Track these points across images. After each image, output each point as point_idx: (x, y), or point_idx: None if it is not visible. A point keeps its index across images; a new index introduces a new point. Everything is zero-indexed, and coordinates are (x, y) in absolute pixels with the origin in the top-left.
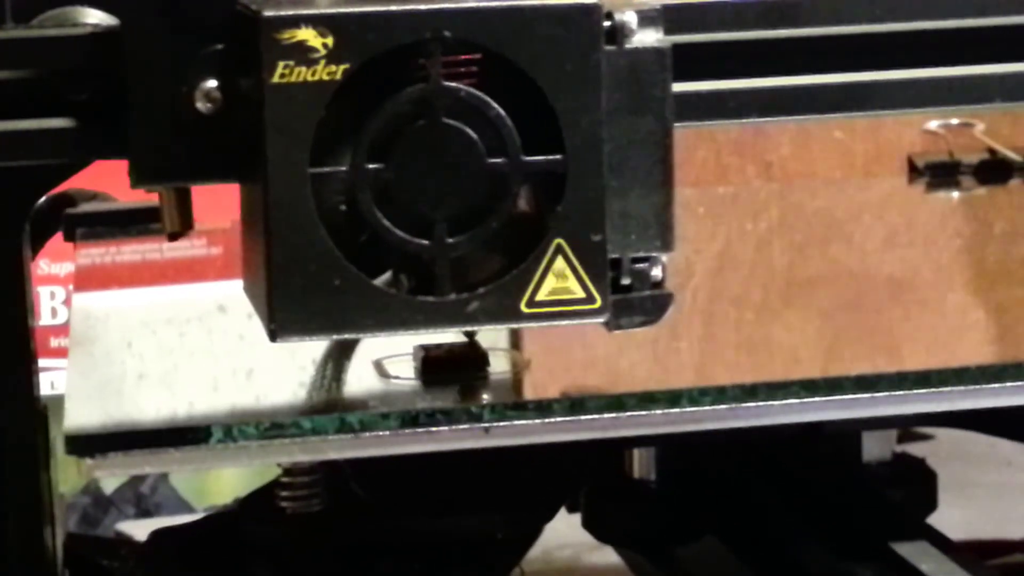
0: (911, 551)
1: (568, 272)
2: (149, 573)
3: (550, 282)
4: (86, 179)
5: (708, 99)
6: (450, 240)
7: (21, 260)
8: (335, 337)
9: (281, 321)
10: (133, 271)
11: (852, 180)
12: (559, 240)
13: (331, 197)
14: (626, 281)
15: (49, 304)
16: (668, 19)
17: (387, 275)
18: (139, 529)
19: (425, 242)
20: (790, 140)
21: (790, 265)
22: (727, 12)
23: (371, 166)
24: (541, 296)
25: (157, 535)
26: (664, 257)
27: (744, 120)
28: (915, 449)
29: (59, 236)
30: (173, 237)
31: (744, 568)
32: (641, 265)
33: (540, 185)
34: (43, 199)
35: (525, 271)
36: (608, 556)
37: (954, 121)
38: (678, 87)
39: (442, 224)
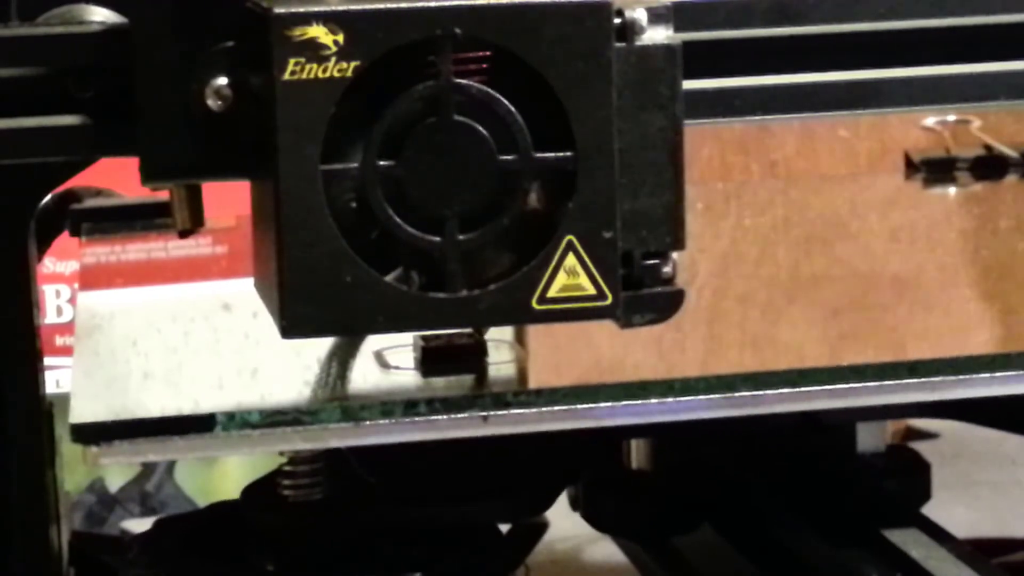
0: (903, 539)
1: (579, 269)
2: (152, 561)
3: (561, 279)
4: (88, 178)
5: (713, 97)
6: (461, 237)
7: (27, 258)
8: (346, 334)
9: (292, 318)
10: (138, 269)
11: (847, 176)
12: (570, 237)
13: (342, 194)
14: (637, 278)
15: (54, 302)
16: (673, 17)
17: (398, 272)
18: (144, 527)
19: (436, 239)
20: (795, 139)
21: (787, 261)
22: (732, 10)
23: (382, 163)
24: (552, 293)
25: (160, 524)
26: (675, 254)
27: (749, 118)
28: (920, 447)
29: (64, 234)
30: (184, 235)
31: (740, 557)
32: (652, 262)
33: (551, 182)
34: (49, 198)
35: (536, 268)
36: (610, 549)
37: (951, 117)
38: (683, 85)
39: (453, 221)
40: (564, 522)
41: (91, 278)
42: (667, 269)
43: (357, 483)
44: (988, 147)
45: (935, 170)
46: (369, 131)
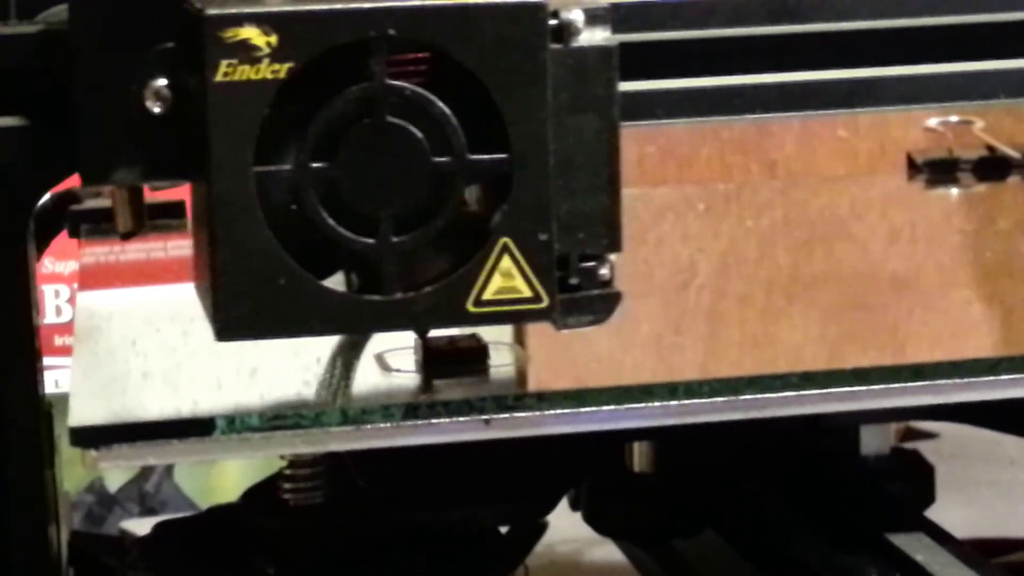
0: (908, 543)
1: (515, 271)
2: (151, 564)
3: (496, 281)
4: None
5: (712, 95)
6: (396, 239)
7: (26, 258)
8: (281, 337)
9: (225, 320)
10: (137, 269)
11: (850, 177)
12: (505, 239)
13: (277, 196)
14: (574, 280)
15: (53, 302)
16: (672, 15)
17: (338, 275)
18: (143, 527)
19: (371, 241)
20: (794, 139)
21: (788, 262)
22: (731, 9)
23: (316, 165)
24: (488, 295)
25: (160, 527)
26: (613, 256)
27: (748, 116)
28: (919, 447)
29: (63, 234)
30: (126, 237)
31: (743, 561)
32: (589, 264)
33: (486, 184)
34: (47, 197)
35: (471, 270)
36: (610, 551)
37: (953, 118)
38: (682, 83)
39: (388, 223)
40: (565, 524)
41: (90, 278)
42: (604, 271)
43: (358, 487)
44: (991, 148)
45: (938, 171)
46: (303, 133)
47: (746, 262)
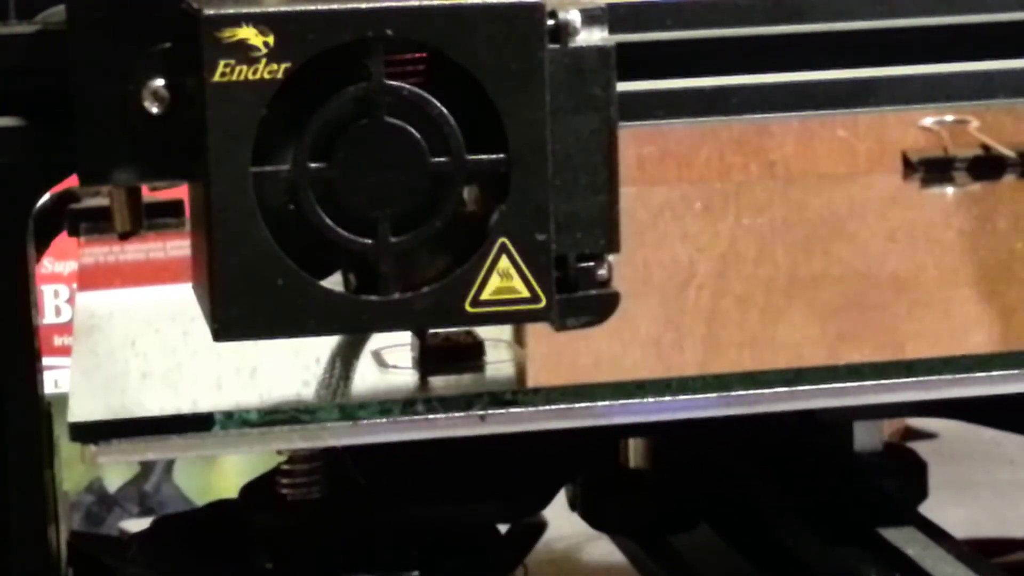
0: (900, 538)
1: (513, 271)
2: (151, 560)
3: (495, 281)
4: None
5: (711, 95)
6: (394, 239)
7: (25, 258)
8: (279, 337)
9: (224, 321)
10: (137, 269)
11: (846, 176)
12: (503, 239)
13: (275, 196)
14: (571, 281)
15: (53, 302)
16: (671, 15)
17: (336, 275)
18: (143, 527)
19: (369, 241)
20: (794, 139)
21: (786, 261)
22: (730, 8)
23: (314, 165)
24: (485, 295)
25: (159, 523)
26: (611, 257)
27: (747, 116)
28: (919, 447)
29: (63, 234)
30: (124, 237)
31: (737, 556)
32: (586, 264)
33: (484, 184)
34: (47, 197)
35: (469, 270)
36: (607, 548)
37: (949, 118)
38: (682, 83)
39: (386, 223)
40: (562, 521)
41: (90, 278)
42: (602, 271)
43: (355, 482)
44: (986, 147)
45: (933, 170)
46: (301, 133)
47: (744, 261)
